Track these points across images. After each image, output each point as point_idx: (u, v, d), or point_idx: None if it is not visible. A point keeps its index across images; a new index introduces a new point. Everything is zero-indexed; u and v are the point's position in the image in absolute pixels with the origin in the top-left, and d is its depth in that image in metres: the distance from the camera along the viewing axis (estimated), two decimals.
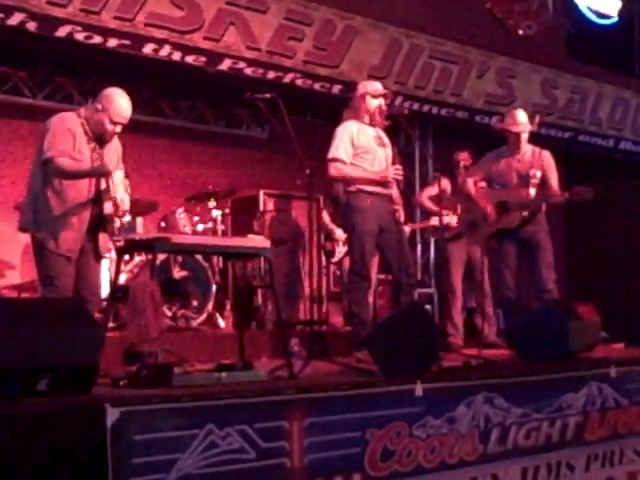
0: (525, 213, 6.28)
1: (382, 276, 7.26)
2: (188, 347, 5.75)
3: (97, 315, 4.82)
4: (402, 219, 6.36)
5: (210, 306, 6.95)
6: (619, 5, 11.31)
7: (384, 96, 5.76)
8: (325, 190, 6.66)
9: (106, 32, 6.65)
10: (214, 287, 6.98)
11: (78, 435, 3.14)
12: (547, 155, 6.45)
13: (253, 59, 7.51)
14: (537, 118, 6.63)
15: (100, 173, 4.61)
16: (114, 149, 4.84)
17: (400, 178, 5.74)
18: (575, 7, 10.85)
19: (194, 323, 6.78)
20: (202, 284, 6.94)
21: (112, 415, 3.20)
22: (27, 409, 3.11)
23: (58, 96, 7.68)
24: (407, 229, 7.48)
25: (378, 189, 5.61)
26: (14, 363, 3.30)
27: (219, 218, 7.18)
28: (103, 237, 4.85)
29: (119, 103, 4.71)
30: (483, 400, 4.46)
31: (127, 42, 6.78)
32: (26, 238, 5.00)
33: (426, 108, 8.96)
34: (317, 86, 8.07)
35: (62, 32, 6.47)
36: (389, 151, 5.78)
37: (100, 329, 4.11)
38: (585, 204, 6.17)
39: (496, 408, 4.51)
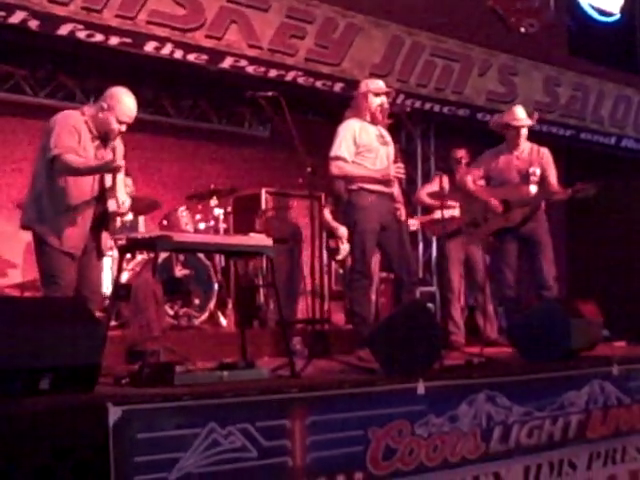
0: (527, 210, 6.28)
1: (384, 274, 7.25)
2: (190, 346, 5.75)
3: (99, 314, 4.82)
4: (404, 217, 6.35)
5: (212, 305, 6.95)
6: (621, 2, 11.30)
7: (386, 94, 5.75)
8: (327, 188, 6.67)
9: (108, 30, 6.64)
10: (216, 286, 6.98)
11: (80, 434, 3.14)
12: (546, 152, 6.45)
13: (255, 57, 7.51)
14: (536, 115, 6.63)
15: (110, 169, 4.57)
16: (116, 148, 4.83)
17: (402, 176, 5.74)
18: (577, 4, 10.85)
19: (196, 322, 6.78)
20: (204, 283, 6.94)
21: (114, 414, 3.20)
22: (29, 408, 3.11)
23: (60, 94, 7.67)
24: (415, 223, 7.47)
25: (380, 187, 5.61)
26: (16, 362, 3.30)
27: (221, 216, 7.17)
28: (105, 235, 4.85)
29: (126, 102, 4.71)
30: (485, 398, 4.46)
31: (129, 40, 6.78)
32: (28, 237, 4.99)
33: (428, 106, 8.96)
34: (319, 84, 8.07)
35: (64, 30, 6.47)
36: (391, 149, 5.78)
37: (102, 328, 4.11)
38: (588, 200, 6.16)
39: (498, 406, 4.51)
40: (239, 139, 8.92)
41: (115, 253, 6.05)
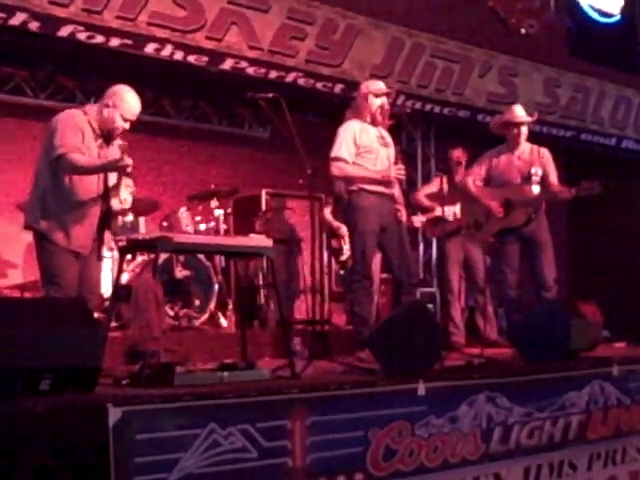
0: (530, 210, 6.27)
1: (383, 275, 7.26)
2: (190, 346, 5.76)
3: (99, 315, 4.83)
4: (404, 218, 6.35)
5: (212, 305, 6.95)
6: (621, 3, 11.30)
7: (386, 95, 5.76)
8: (327, 189, 6.67)
9: (108, 32, 6.64)
10: (216, 286, 6.98)
11: (80, 435, 3.14)
12: (546, 152, 6.46)
13: (255, 58, 7.51)
14: (535, 113, 6.64)
15: (117, 167, 4.56)
16: (117, 147, 4.83)
17: (402, 177, 5.75)
18: (577, 5, 10.84)
19: (196, 322, 6.79)
20: (204, 283, 6.94)
21: (114, 415, 3.20)
22: (29, 409, 3.11)
23: (60, 96, 7.68)
24: (421, 219, 7.47)
25: (380, 188, 5.61)
26: (16, 363, 3.30)
27: (221, 217, 7.17)
28: (107, 235, 4.86)
29: (130, 100, 4.72)
30: (485, 399, 4.46)
31: (129, 42, 6.78)
32: (28, 238, 4.99)
33: (428, 107, 8.95)
34: (319, 85, 8.07)
35: (64, 32, 6.47)
36: (391, 150, 5.78)
37: (102, 329, 4.11)
38: (592, 199, 6.16)
39: (498, 407, 4.51)
40: (239, 140, 8.92)
41: (115, 254, 6.05)
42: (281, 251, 7.59)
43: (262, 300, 7.42)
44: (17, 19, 6.24)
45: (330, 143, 5.63)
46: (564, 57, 10.32)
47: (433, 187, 7.47)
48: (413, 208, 7.42)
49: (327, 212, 7.72)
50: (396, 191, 5.87)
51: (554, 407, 4.79)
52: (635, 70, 11.19)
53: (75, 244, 4.57)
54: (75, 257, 4.60)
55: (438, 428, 4.23)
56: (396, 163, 5.70)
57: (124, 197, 4.74)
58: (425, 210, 7.47)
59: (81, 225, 4.59)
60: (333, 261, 8.14)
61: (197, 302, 6.87)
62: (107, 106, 4.68)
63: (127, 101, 4.71)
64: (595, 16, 11.02)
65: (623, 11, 11.31)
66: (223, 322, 7.08)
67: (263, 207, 7.86)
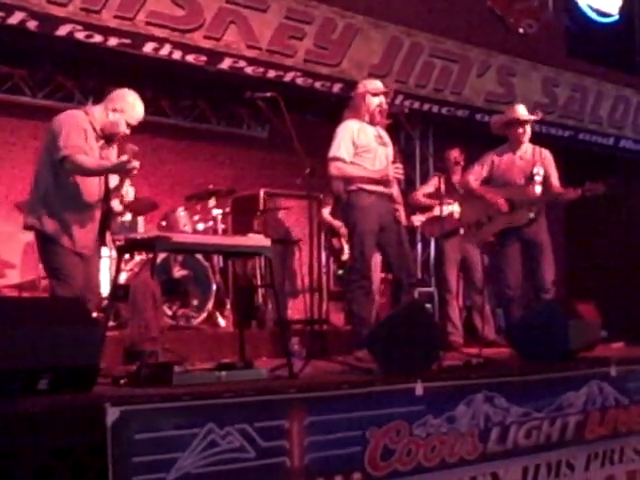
0: (534, 211, 6.26)
1: (382, 275, 7.26)
2: (188, 346, 5.76)
3: (97, 314, 4.82)
4: (403, 218, 6.35)
5: (210, 305, 6.95)
6: (619, 3, 11.31)
7: (384, 94, 5.75)
8: (325, 189, 6.67)
9: (106, 31, 6.65)
10: (214, 286, 6.98)
11: (78, 434, 3.14)
12: (547, 153, 6.45)
13: (253, 58, 7.52)
14: (540, 113, 6.64)
15: (125, 170, 4.55)
16: (127, 151, 4.80)
17: (401, 177, 5.74)
18: (576, 5, 10.86)
19: (194, 322, 6.79)
20: (202, 283, 6.94)
21: (112, 414, 3.20)
22: (27, 408, 3.11)
23: (58, 95, 7.68)
24: (421, 219, 7.46)
25: (379, 188, 5.61)
26: (14, 362, 3.30)
27: (219, 217, 7.18)
28: (107, 235, 4.86)
29: (137, 106, 4.72)
30: (483, 399, 4.46)
31: (127, 41, 6.78)
32: (26, 237, 5.00)
33: (426, 107, 8.96)
34: (317, 85, 8.07)
35: (62, 31, 6.47)
36: (390, 150, 5.78)
37: (100, 328, 4.11)
38: (597, 199, 6.16)
39: (496, 407, 4.51)
40: (238, 140, 8.92)
41: (114, 253, 6.05)
42: (279, 251, 7.59)
43: (260, 300, 7.42)
44: (15, 18, 6.25)
45: (329, 142, 5.63)
46: (562, 57, 10.33)
47: (430, 187, 7.47)
48: (411, 208, 7.42)
49: (326, 212, 7.71)
50: (395, 190, 5.87)
51: (552, 407, 4.79)
52: (633, 70, 11.21)
53: (79, 245, 4.56)
54: (80, 258, 4.59)
55: (436, 428, 4.23)
56: (394, 162, 5.70)
57: (126, 190, 4.73)
58: (424, 209, 7.47)
59: (84, 226, 4.58)
60: (331, 261, 8.14)
61: (195, 302, 6.87)
62: (114, 110, 4.67)
63: (134, 108, 4.71)
64: (593, 16, 11.04)
65: (621, 11, 11.33)
66: (221, 322, 7.08)
67: (261, 207, 7.86)
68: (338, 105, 6.05)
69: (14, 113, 7.57)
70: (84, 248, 4.59)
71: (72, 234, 4.53)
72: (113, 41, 6.72)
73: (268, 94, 5.15)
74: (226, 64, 7.40)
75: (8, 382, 3.28)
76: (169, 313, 6.58)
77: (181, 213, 6.97)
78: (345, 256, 7.65)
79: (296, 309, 7.80)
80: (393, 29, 8.51)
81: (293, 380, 4.22)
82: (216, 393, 3.59)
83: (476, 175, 6.45)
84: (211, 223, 7.13)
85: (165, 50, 7.02)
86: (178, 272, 6.75)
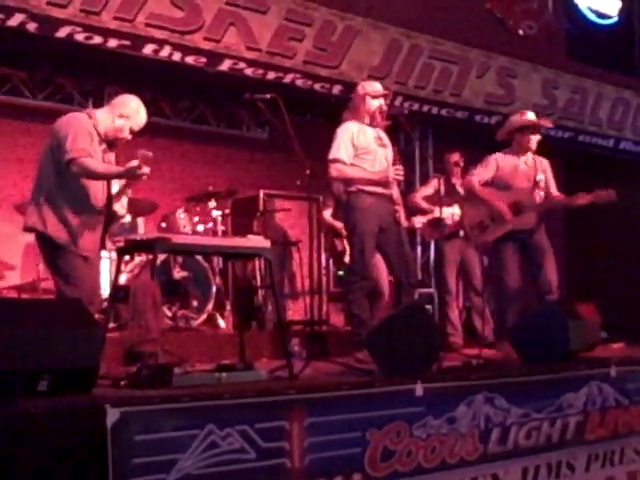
0: (541, 215, 6.26)
1: (390, 277, 7.26)
2: (188, 347, 5.75)
3: (97, 316, 4.82)
4: (403, 219, 6.35)
5: (210, 306, 6.95)
6: (619, 5, 11.31)
7: (384, 96, 5.76)
8: (325, 190, 6.66)
9: (106, 33, 6.65)
10: (214, 287, 6.98)
11: (78, 436, 3.14)
12: (546, 162, 6.45)
13: (253, 59, 7.52)
14: (551, 121, 6.62)
15: (135, 175, 4.55)
16: (140, 156, 4.78)
17: (401, 178, 5.73)
18: (575, 7, 10.86)
19: (194, 323, 6.78)
20: (202, 284, 6.94)
21: (112, 415, 3.20)
22: (27, 410, 3.11)
23: (58, 97, 7.69)
24: (422, 221, 7.45)
25: (378, 189, 5.61)
26: (14, 364, 3.30)
27: (219, 218, 7.17)
28: (107, 239, 4.86)
29: (141, 112, 4.72)
30: (483, 400, 4.46)
31: (127, 43, 6.79)
32: (26, 239, 5.00)
33: (426, 108, 8.97)
34: (317, 86, 8.07)
35: (62, 33, 6.48)
36: (389, 151, 5.78)
37: (100, 330, 4.10)
38: (607, 206, 6.17)
39: (496, 408, 4.51)
40: (237, 141, 8.93)
41: (113, 255, 6.05)
42: (278, 252, 7.59)
43: (260, 301, 7.42)
44: (15, 20, 6.25)
45: (328, 144, 5.63)
46: (562, 58, 10.33)
47: (430, 188, 7.46)
48: (410, 210, 7.41)
49: (327, 214, 7.70)
50: (395, 192, 5.87)
51: (552, 408, 4.79)
52: (633, 71, 11.22)
53: (82, 248, 4.54)
54: (84, 260, 4.57)
55: (436, 429, 4.23)
56: (394, 164, 5.70)
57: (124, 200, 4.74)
58: (423, 212, 7.47)
59: (88, 230, 4.57)
60: (331, 262, 8.14)
61: (195, 303, 6.87)
62: (120, 116, 4.67)
63: (139, 114, 4.71)
64: (593, 18, 11.04)
65: (621, 13, 11.33)
66: (221, 323, 7.08)
67: (261, 208, 7.86)
68: (338, 106, 6.05)
69: (14, 115, 7.58)
70: (87, 251, 4.58)
71: (76, 237, 4.51)
72: (113, 43, 6.73)
73: (268, 96, 5.15)
74: (226, 66, 7.41)
75: (8, 383, 3.27)
76: (169, 314, 6.57)
77: (181, 214, 6.97)
78: (347, 258, 7.62)
79: (296, 310, 7.80)
80: (393, 31, 8.52)
81: (293, 381, 4.22)
82: (216, 394, 3.60)
83: (480, 177, 6.36)
84: (211, 224, 7.13)
85: (165, 52, 7.02)
86: (178, 273, 6.75)
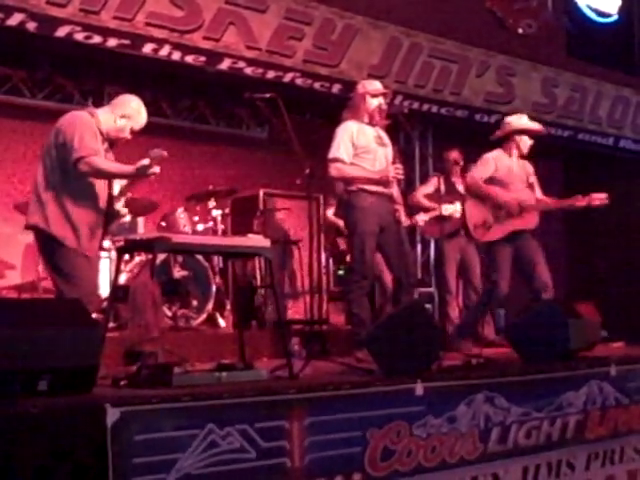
0: (540, 215, 6.27)
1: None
2: (188, 347, 5.75)
3: (97, 315, 4.81)
4: (403, 218, 6.34)
5: (210, 306, 6.95)
6: (619, 3, 11.31)
7: (384, 95, 5.75)
8: (325, 190, 6.67)
9: (106, 32, 6.64)
10: (214, 287, 6.98)
11: (78, 435, 3.14)
12: (530, 166, 6.48)
13: (253, 59, 7.51)
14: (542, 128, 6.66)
15: (145, 174, 4.53)
16: (152, 155, 4.77)
17: (401, 177, 5.73)
18: (575, 5, 10.86)
19: (194, 323, 6.79)
20: (202, 284, 6.94)
21: (112, 415, 3.20)
22: (27, 409, 3.11)
23: (58, 96, 7.68)
24: (425, 218, 7.44)
25: (379, 188, 5.61)
26: (14, 364, 3.30)
27: (219, 218, 7.18)
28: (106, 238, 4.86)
29: (142, 113, 4.72)
30: (483, 399, 4.46)
31: (127, 42, 6.78)
32: (26, 239, 4.99)
33: (426, 107, 8.96)
34: (317, 85, 8.07)
35: (62, 32, 6.47)
36: (389, 150, 5.78)
37: (100, 329, 4.10)
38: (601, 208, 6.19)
39: (496, 407, 4.51)
40: (237, 140, 8.93)
41: (113, 254, 6.05)
42: (279, 251, 7.59)
43: (260, 300, 7.42)
44: (14, 19, 6.24)
45: (328, 143, 5.63)
46: (562, 57, 10.33)
47: (430, 187, 7.47)
48: (410, 208, 7.41)
49: (330, 213, 7.70)
50: (395, 191, 5.87)
51: (552, 407, 4.79)
52: (632, 70, 11.21)
53: (85, 247, 4.53)
54: (84, 259, 4.57)
55: (436, 428, 4.23)
56: (394, 163, 5.70)
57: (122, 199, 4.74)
58: (425, 209, 7.46)
59: (91, 229, 4.56)
60: (331, 261, 8.14)
61: (195, 302, 6.87)
62: (122, 116, 4.67)
63: (140, 114, 4.71)
64: (593, 16, 11.04)
65: (621, 11, 11.33)
66: (221, 322, 7.08)
67: (261, 207, 7.86)
68: (337, 106, 6.05)
69: (13, 114, 7.57)
70: (89, 250, 4.58)
71: (79, 236, 4.51)
72: (112, 42, 6.72)
73: (267, 95, 5.16)
74: (225, 65, 7.40)
75: (8, 383, 3.27)
76: (169, 314, 6.57)
77: (181, 214, 6.97)
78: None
79: (296, 310, 7.80)
80: (392, 29, 8.51)
81: (293, 381, 4.22)
82: (216, 394, 3.59)
83: (480, 175, 6.37)
84: (211, 224, 7.14)
85: (164, 51, 7.02)
86: (178, 273, 6.75)
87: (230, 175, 8.48)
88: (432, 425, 4.21)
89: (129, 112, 4.68)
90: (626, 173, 11.08)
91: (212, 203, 7.26)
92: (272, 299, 6.74)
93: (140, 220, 7.01)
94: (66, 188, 4.51)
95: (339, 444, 3.86)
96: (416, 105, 8.72)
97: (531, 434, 4.68)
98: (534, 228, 6.22)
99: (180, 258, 6.74)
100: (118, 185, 4.78)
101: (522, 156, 6.40)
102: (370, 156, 5.64)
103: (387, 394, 4.10)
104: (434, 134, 9.95)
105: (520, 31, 9.90)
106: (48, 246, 4.55)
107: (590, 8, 11.00)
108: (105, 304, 5.27)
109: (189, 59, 7.19)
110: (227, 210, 7.45)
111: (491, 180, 6.28)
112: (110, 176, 4.60)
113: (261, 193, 7.88)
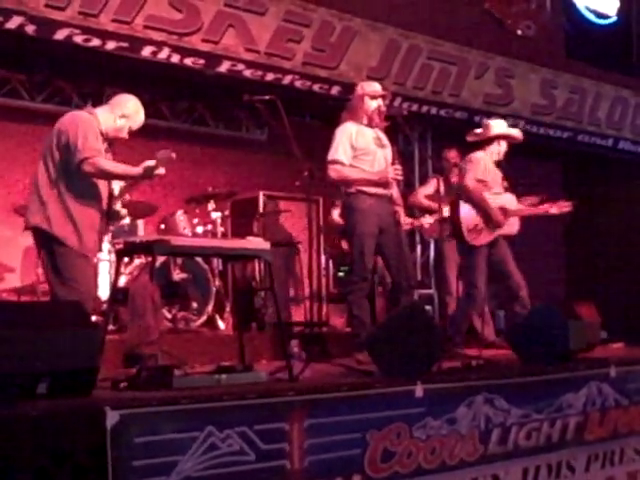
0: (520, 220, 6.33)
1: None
2: (188, 349, 5.75)
3: (96, 318, 4.81)
4: (403, 220, 6.34)
5: (210, 308, 6.95)
6: (617, 4, 11.31)
7: (382, 97, 5.76)
8: (325, 191, 6.66)
9: (104, 35, 6.64)
10: (214, 289, 6.98)
11: (78, 438, 3.14)
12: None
13: (252, 61, 7.51)
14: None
15: (150, 175, 4.52)
16: (160, 156, 4.77)
17: (400, 178, 5.73)
18: (573, 7, 10.85)
19: (194, 325, 6.78)
20: (202, 286, 6.94)
21: (112, 418, 3.20)
22: (27, 412, 3.11)
23: (57, 99, 7.68)
24: (429, 221, 7.44)
25: (378, 190, 5.61)
26: (14, 366, 3.30)
27: (219, 220, 7.17)
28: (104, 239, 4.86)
29: (140, 112, 4.73)
30: (483, 401, 4.46)
31: (125, 45, 6.78)
32: (26, 241, 4.98)
33: (425, 109, 8.96)
34: (316, 87, 8.07)
35: (60, 35, 6.47)
36: (388, 151, 5.78)
37: (100, 332, 4.11)
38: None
39: (496, 409, 4.51)
40: (237, 143, 8.92)
41: (113, 257, 6.05)
42: (283, 254, 7.59)
43: (260, 302, 7.42)
44: (13, 22, 6.24)
45: (327, 145, 5.63)
46: (561, 58, 10.32)
47: (430, 187, 7.48)
48: (411, 209, 7.41)
49: (335, 214, 7.69)
50: (394, 192, 5.87)
51: (552, 408, 4.80)
52: (631, 71, 11.20)
53: (86, 248, 4.53)
54: (85, 260, 4.56)
55: (436, 430, 4.23)
56: (393, 164, 5.70)
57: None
58: (427, 210, 7.46)
59: (92, 230, 4.57)
60: (331, 263, 8.14)
61: (195, 305, 6.87)
62: (122, 116, 4.67)
63: (138, 114, 4.72)
64: (591, 17, 11.03)
65: (619, 12, 11.32)
66: (221, 325, 7.08)
67: (260, 209, 7.86)
68: (336, 107, 6.05)
69: (12, 117, 7.57)
70: (90, 251, 4.58)
71: (81, 237, 4.50)
72: (111, 45, 6.72)
73: (267, 97, 5.16)
74: (224, 67, 7.40)
75: (7, 386, 3.27)
76: (169, 316, 6.57)
77: (180, 216, 6.97)
78: None
79: (296, 311, 7.80)
80: (391, 31, 8.51)
81: (293, 383, 4.22)
82: (216, 396, 3.59)
83: (477, 177, 6.39)
84: (210, 226, 7.13)
85: (163, 53, 7.01)
86: (177, 275, 6.74)
87: (229, 177, 8.48)
88: (432, 427, 4.21)
89: (128, 112, 4.69)
90: (625, 174, 11.08)
91: (212, 205, 7.26)
92: (272, 301, 6.74)
93: (140, 223, 7.00)
94: (68, 188, 4.50)
95: (339, 446, 3.86)
96: (415, 107, 8.73)
97: (531, 435, 4.68)
98: (514, 234, 6.30)
99: (180, 260, 6.73)
100: (117, 186, 4.79)
101: (497, 161, 6.46)
102: (369, 157, 5.65)
103: (387, 396, 4.10)
104: (433, 136, 9.94)
105: (519, 33, 9.90)
106: (49, 247, 4.54)
107: (589, 9, 11.00)
108: (105, 306, 5.27)
109: (188, 62, 7.18)
110: (227, 212, 7.45)
111: (478, 181, 6.33)
112: (115, 177, 4.60)
113: (261, 195, 7.88)
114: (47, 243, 4.55)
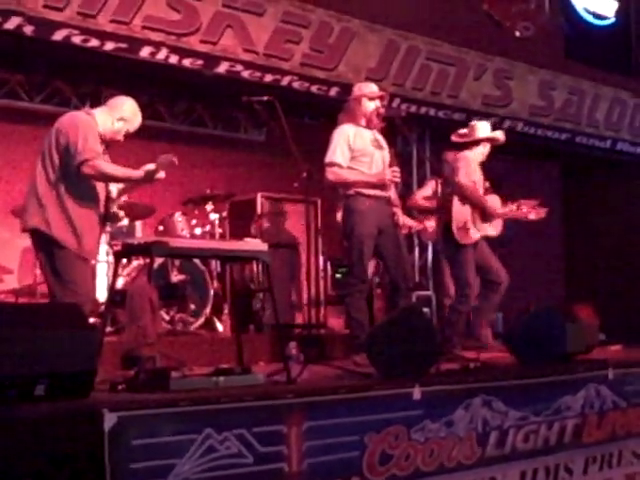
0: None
1: (378, 279, 7.26)
2: (186, 351, 5.75)
3: (94, 319, 4.80)
4: (401, 221, 6.34)
5: (208, 310, 6.95)
6: (616, 6, 11.31)
7: (380, 98, 5.75)
8: (326, 192, 6.65)
9: (103, 35, 6.64)
10: (212, 291, 6.97)
11: (76, 440, 3.13)
12: None
13: (250, 62, 7.51)
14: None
15: (151, 179, 4.52)
16: (162, 160, 4.76)
17: (398, 180, 5.73)
18: (572, 8, 10.85)
19: (192, 327, 6.78)
20: (200, 288, 6.93)
21: (110, 420, 3.19)
22: (25, 415, 3.11)
23: (55, 99, 7.67)
24: (430, 227, 7.44)
25: (376, 192, 5.60)
26: (11, 369, 3.29)
27: (217, 221, 7.17)
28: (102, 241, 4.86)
29: (138, 115, 4.73)
30: (481, 403, 4.46)
31: (124, 45, 6.78)
32: (24, 243, 4.98)
33: (423, 110, 8.96)
34: (314, 89, 8.06)
35: (59, 36, 6.47)
36: (386, 153, 5.77)
37: (98, 334, 4.10)
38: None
39: (494, 411, 4.51)
40: (235, 144, 8.92)
41: (111, 259, 6.04)
42: (280, 256, 7.58)
43: (258, 304, 7.41)
44: (12, 23, 6.24)
45: (326, 146, 5.62)
46: (559, 60, 10.33)
47: (428, 189, 7.46)
48: (409, 211, 7.40)
49: (339, 216, 7.67)
50: (392, 194, 5.86)
51: (550, 411, 4.79)
52: (630, 72, 11.21)
53: (85, 250, 4.52)
54: (83, 262, 4.55)
55: (434, 432, 4.23)
56: (391, 166, 5.70)
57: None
58: (426, 211, 7.45)
59: (91, 232, 4.56)
60: (329, 265, 8.13)
61: (193, 306, 6.87)
62: (120, 119, 4.66)
63: (136, 116, 4.72)
64: (590, 19, 11.03)
65: (618, 14, 11.32)
66: (219, 327, 7.07)
67: (259, 211, 7.86)
68: (335, 109, 6.05)
69: (11, 118, 7.57)
70: (89, 253, 4.57)
71: (80, 239, 4.49)
72: (109, 45, 6.72)
73: (265, 98, 5.15)
74: (223, 68, 7.40)
75: (5, 388, 3.26)
76: (166, 318, 6.57)
77: (178, 218, 6.97)
78: None
79: (295, 316, 7.79)
80: (390, 32, 8.51)
81: (291, 385, 4.21)
82: (214, 398, 3.59)
83: (470, 178, 6.40)
84: (208, 227, 7.13)
85: (161, 54, 7.01)
86: (175, 277, 6.74)
87: (228, 178, 8.47)
88: (430, 429, 4.21)
89: (126, 115, 4.68)
90: (624, 175, 11.09)
91: (210, 207, 7.26)
92: (270, 303, 6.74)
93: (138, 224, 7.00)
94: (67, 190, 4.49)
95: (337, 448, 3.86)
96: (413, 108, 8.73)
97: (529, 438, 4.67)
98: (498, 236, 6.32)
99: (178, 262, 6.73)
100: (115, 188, 4.78)
101: (480, 162, 6.48)
102: (367, 159, 5.64)
103: (385, 398, 4.10)
104: (432, 137, 9.94)
105: (517, 34, 9.90)
106: (48, 249, 4.53)
107: (587, 11, 11.00)
108: (102, 308, 5.26)
109: (186, 62, 7.18)
110: (225, 214, 7.45)
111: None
112: (115, 180, 4.59)
113: (259, 196, 7.88)
114: (46, 245, 4.53)
